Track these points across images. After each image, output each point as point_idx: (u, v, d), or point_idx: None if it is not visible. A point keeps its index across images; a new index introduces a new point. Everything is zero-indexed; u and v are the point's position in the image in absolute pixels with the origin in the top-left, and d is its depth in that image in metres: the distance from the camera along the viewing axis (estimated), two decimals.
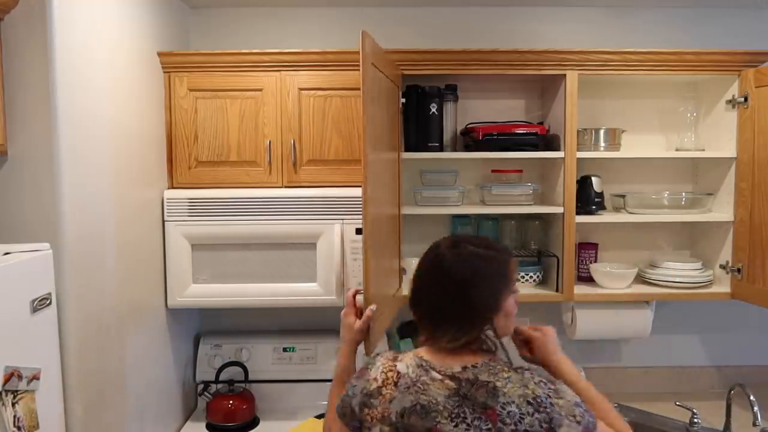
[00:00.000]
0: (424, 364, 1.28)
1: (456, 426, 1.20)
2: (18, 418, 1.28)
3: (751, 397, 1.99)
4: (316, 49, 2.20)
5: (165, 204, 2.14)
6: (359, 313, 1.59)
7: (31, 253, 1.37)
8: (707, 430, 2.20)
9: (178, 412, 2.30)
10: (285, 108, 2.17)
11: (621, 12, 2.50)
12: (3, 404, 1.24)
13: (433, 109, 2.27)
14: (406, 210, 2.22)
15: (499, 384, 1.21)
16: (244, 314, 2.56)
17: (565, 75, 2.19)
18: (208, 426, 2.30)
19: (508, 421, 1.17)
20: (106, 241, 1.73)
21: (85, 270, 1.60)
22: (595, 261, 2.46)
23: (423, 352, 1.31)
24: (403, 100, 2.19)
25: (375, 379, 1.31)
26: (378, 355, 1.39)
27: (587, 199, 2.29)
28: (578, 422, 1.18)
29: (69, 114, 1.53)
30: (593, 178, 2.30)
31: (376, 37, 2.46)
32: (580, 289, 2.32)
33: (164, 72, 2.16)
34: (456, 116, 2.38)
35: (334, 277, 2.14)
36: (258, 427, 2.30)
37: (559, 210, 2.23)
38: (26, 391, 1.32)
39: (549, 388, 1.21)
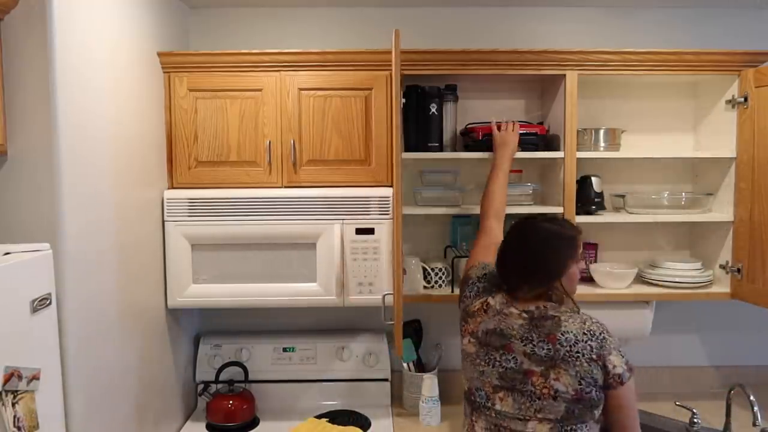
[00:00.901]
0: (507, 301, 1.68)
1: (525, 345, 1.60)
2: (18, 418, 1.28)
3: (751, 397, 1.99)
4: (316, 49, 2.20)
5: (165, 204, 2.14)
6: None
7: (31, 253, 1.37)
8: (707, 430, 2.20)
9: (178, 412, 2.30)
10: (285, 108, 2.17)
11: (621, 12, 2.50)
12: (3, 404, 1.24)
13: (433, 109, 2.27)
14: (406, 210, 2.22)
15: (562, 318, 1.60)
16: (244, 314, 2.56)
17: (564, 75, 2.19)
18: (208, 426, 2.30)
19: (564, 344, 1.55)
20: (106, 242, 1.73)
21: (85, 270, 1.60)
22: (595, 261, 2.46)
23: (506, 296, 1.70)
24: (404, 100, 2.19)
25: (475, 306, 1.74)
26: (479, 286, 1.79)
27: (587, 199, 2.29)
28: (622, 356, 1.56)
29: (69, 114, 1.53)
30: (593, 178, 2.30)
31: (376, 38, 2.48)
32: (580, 289, 2.31)
33: (164, 72, 2.16)
34: (456, 116, 2.38)
35: (334, 277, 2.14)
36: (258, 427, 2.31)
37: (559, 210, 2.23)
38: (26, 391, 1.32)
39: (603, 328, 1.58)
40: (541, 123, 2.42)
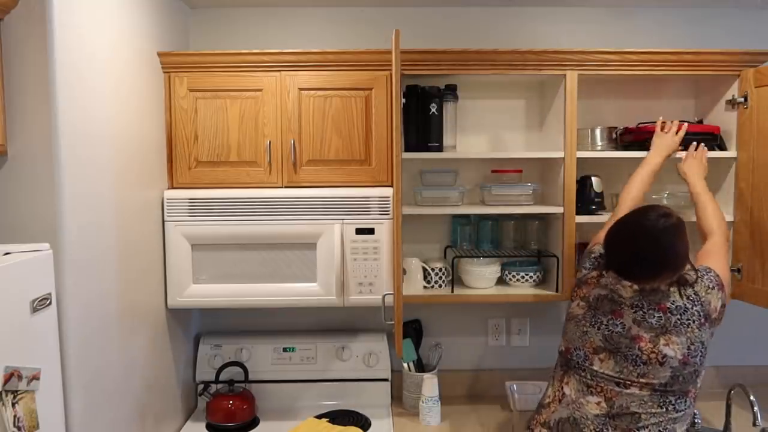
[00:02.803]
0: (619, 277, 1.70)
1: (635, 312, 1.66)
2: (18, 419, 1.28)
3: (751, 397, 1.99)
4: (316, 49, 2.20)
5: (165, 204, 2.14)
6: None
7: (31, 254, 1.37)
8: (707, 430, 2.20)
9: (178, 412, 2.30)
10: (285, 108, 2.17)
11: (621, 12, 2.50)
12: (3, 404, 1.24)
13: (433, 109, 2.27)
14: (406, 210, 2.22)
15: (671, 289, 1.66)
16: (244, 314, 2.56)
17: (565, 75, 2.19)
18: (208, 426, 2.30)
19: (675, 312, 1.63)
20: (106, 242, 1.73)
21: (85, 270, 1.60)
22: None
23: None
24: (403, 100, 2.19)
25: (589, 275, 1.81)
26: (594, 257, 1.86)
27: (587, 199, 2.29)
28: (715, 289, 1.68)
29: (69, 114, 1.53)
30: (593, 178, 2.30)
31: (376, 38, 2.48)
32: None
33: (164, 72, 2.16)
34: (456, 116, 2.38)
35: (334, 277, 2.14)
36: (258, 427, 2.31)
37: (559, 210, 2.24)
38: (26, 391, 1.32)
39: (702, 286, 1.67)
40: (700, 122, 2.42)
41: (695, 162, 2.14)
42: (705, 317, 1.65)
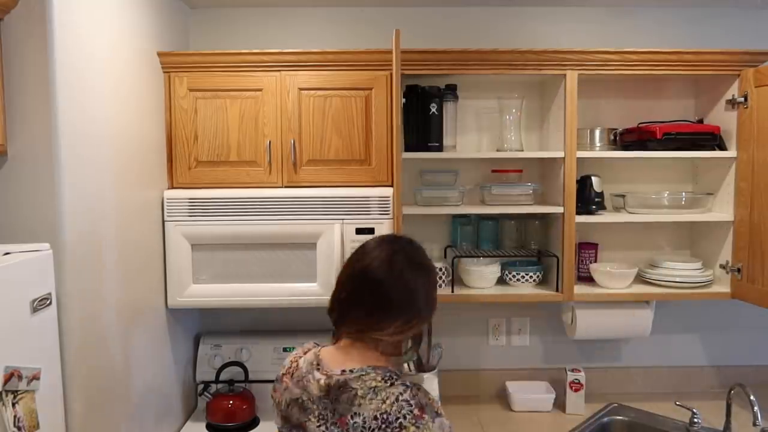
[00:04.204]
0: (314, 361, 1.30)
1: (318, 427, 1.22)
2: (18, 419, 1.28)
3: (751, 397, 1.99)
4: (316, 49, 2.20)
5: (165, 204, 2.14)
6: None
7: (31, 254, 1.37)
8: (707, 430, 2.20)
9: (178, 412, 2.30)
10: (285, 108, 2.17)
11: (621, 12, 2.50)
12: (3, 404, 1.24)
13: (433, 109, 2.27)
14: (406, 210, 2.22)
15: (359, 393, 1.19)
16: (244, 314, 2.56)
17: (565, 75, 2.19)
18: (208, 426, 2.30)
19: (354, 428, 1.16)
20: (106, 241, 1.73)
21: (85, 270, 1.60)
22: (595, 261, 2.46)
23: (326, 348, 1.35)
24: (403, 100, 2.19)
25: (284, 366, 1.36)
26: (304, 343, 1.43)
27: (587, 199, 2.29)
28: None
29: (69, 114, 1.53)
30: (593, 178, 2.30)
31: (376, 38, 2.48)
32: (580, 289, 2.32)
33: (164, 72, 2.16)
34: (456, 116, 2.38)
35: (334, 278, 2.13)
36: (258, 427, 2.30)
37: (559, 210, 2.23)
38: (26, 391, 1.32)
39: (412, 413, 1.15)
40: (700, 121, 2.42)
41: None
42: None
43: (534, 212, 2.31)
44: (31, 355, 1.34)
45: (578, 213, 2.25)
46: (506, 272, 2.37)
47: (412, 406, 1.16)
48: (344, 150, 2.18)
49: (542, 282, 2.39)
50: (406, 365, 2.54)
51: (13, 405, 1.27)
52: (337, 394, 1.21)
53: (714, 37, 2.50)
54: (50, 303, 1.42)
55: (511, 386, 2.46)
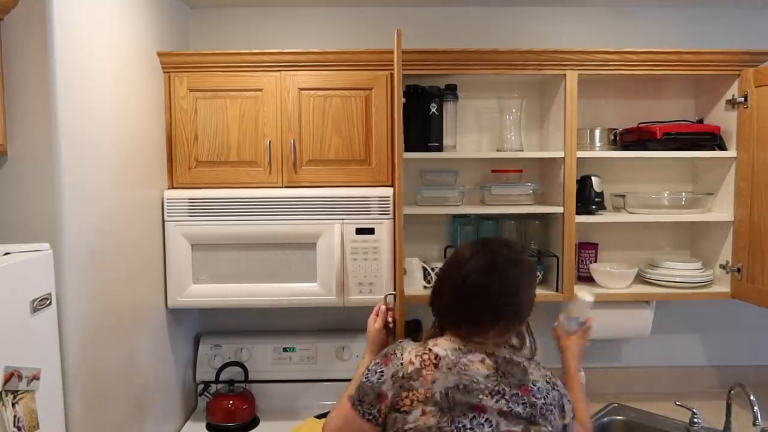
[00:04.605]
0: (459, 347, 1.39)
1: (497, 401, 1.32)
2: (18, 419, 1.28)
3: (751, 397, 1.99)
4: (316, 49, 2.20)
5: (165, 204, 2.14)
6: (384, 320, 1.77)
7: (31, 254, 1.37)
8: (707, 430, 2.20)
9: (178, 412, 2.30)
10: (285, 108, 2.17)
11: (621, 12, 2.50)
12: (3, 404, 1.24)
13: (433, 109, 2.27)
14: (407, 210, 2.22)
15: (525, 364, 1.39)
16: (244, 314, 2.56)
17: (565, 75, 2.19)
18: (208, 426, 2.30)
19: (538, 395, 1.35)
20: (106, 242, 1.73)
21: (85, 270, 1.60)
22: (595, 261, 2.46)
23: (452, 338, 1.42)
24: (404, 100, 2.18)
25: (411, 363, 1.37)
26: (400, 342, 1.47)
27: (587, 199, 2.29)
28: (569, 401, 1.42)
29: (69, 114, 1.53)
30: (593, 178, 2.30)
31: (376, 38, 2.48)
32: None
33: (164, 72, 2.16)
34: (456, 116, 2.38)
35: (334, 277, 2.14)
36: (258, 427, 2.31)
37: (559, 210, 2.23)
38: (26, 391, 1.32)
39: (551, 375, 1.43)
40: (700, 121, 2.42)
41: (578, 344, 1.79)
42: (561, 408, 1.38)
43: (534, 212, 2.31)
44: (30, 355, 1.34)
45: (578, 213, 2.25)
46: None
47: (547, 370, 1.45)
48: (344, 150, 2.18)
49: (542, 282, 2.38)
50: None
51: (13, 405, 1.27)
52: (506, 368, 1.36)
53: (714, 37, 2.50)
54: (50, 303, 1.41)
55: None
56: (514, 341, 1.46)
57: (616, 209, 2.41)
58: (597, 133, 2.36)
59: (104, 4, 1.72)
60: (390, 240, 2.15)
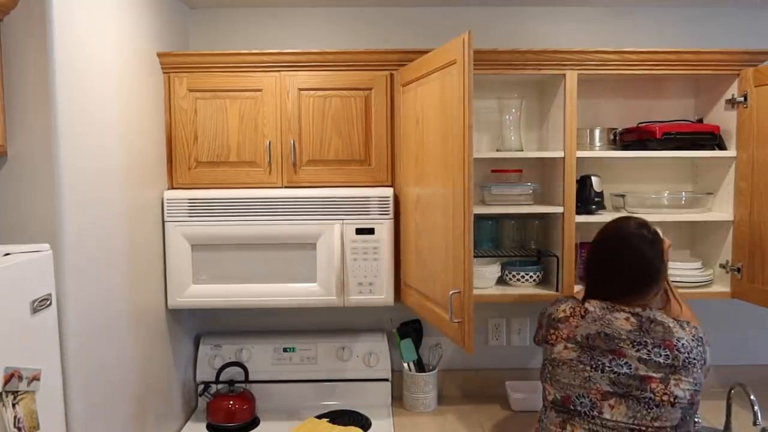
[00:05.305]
0: (607, 306, 1.67)
1: (638, 351, 1.58)
2: (18, 419, 1.28)
3: (752, 397, 1.99)
4: (316, 49, 2.20)
5: (165, 204, 2.14)
6: None
7: (31, 254, 1.37)
8: (707, 429, 2.20)
9: (178, 413, 2.30)
10: (284, 108, 2.17)
11: (621, 12, 2.50)
12: (3, 405, 1.24)
13: None
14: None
15: (670, 324, 1.61)
16: (244, 314, 2.56)
17: (564, 75, 2.19)
18: (208, 426, 2.30)
19: (682, 350, 1.58)
20: (106, 242, 1.72)
21: (86, 270, 1.60)
22: None
23: (603, 301, 1.69)
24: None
25: (563, 311, 1.73)
26: (568, 297, 1.81)
27: (587, 199, 2.28)
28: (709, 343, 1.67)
29: (68, 114, 1.53)
30: (593, 178, 2.30)
31: (376, 38, 2.48)
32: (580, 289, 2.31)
33: (164, 72, 2.16)
34: None
35: (334, 278, 2.14)
36: (258, 427, 2.30)
37: (559, 210, 2.23)
38: (26, 391, 1.32)
39: (702, 333, 1.65)
40: (700, 121, 2.42)
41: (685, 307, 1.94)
42: (706, 362, 1.63)
43: (534, 212, 2.31)
44: (31, 356, 1.34)
45: (578, 213, 2.24)
46: (506, 272, 2.37)
47: (699, 329, 1.68)
48: (344, 150, 2.18)
49: (542, 282, 2.38)
50: (406, 365, 2.55)
51: (14, 406, 1.27)
52: (649, 326, 1.61)
53: (714, 37, 2.50)
54: (50, 303, 1.41)
55: (511, 386, 2.45)
56: (658, 302, 1.72)
57: (616, 209, 2.41)
58: (597, 132, 2.36)
59: (104, 5, 1.72)
60: (390, 240, 2.15)
